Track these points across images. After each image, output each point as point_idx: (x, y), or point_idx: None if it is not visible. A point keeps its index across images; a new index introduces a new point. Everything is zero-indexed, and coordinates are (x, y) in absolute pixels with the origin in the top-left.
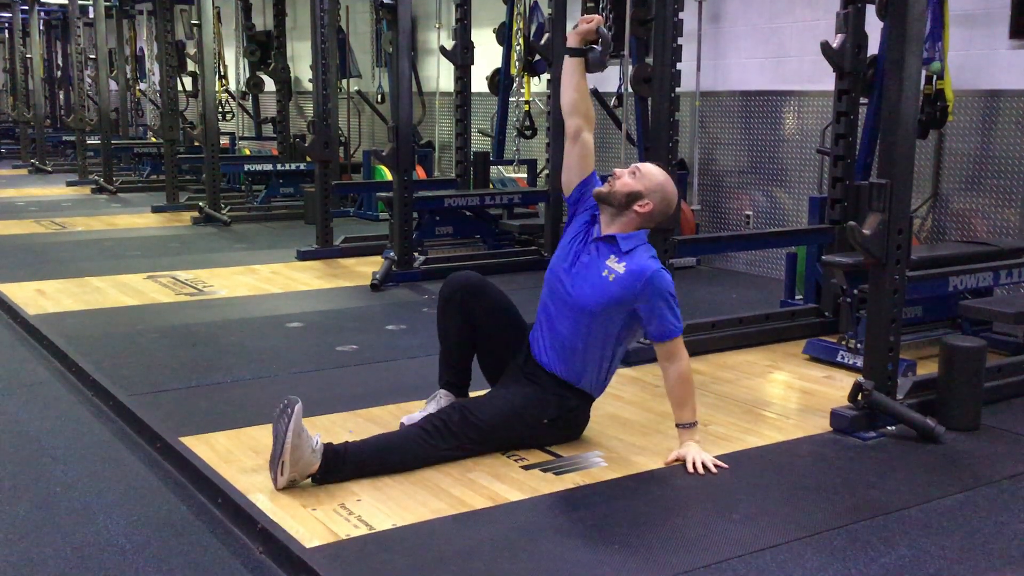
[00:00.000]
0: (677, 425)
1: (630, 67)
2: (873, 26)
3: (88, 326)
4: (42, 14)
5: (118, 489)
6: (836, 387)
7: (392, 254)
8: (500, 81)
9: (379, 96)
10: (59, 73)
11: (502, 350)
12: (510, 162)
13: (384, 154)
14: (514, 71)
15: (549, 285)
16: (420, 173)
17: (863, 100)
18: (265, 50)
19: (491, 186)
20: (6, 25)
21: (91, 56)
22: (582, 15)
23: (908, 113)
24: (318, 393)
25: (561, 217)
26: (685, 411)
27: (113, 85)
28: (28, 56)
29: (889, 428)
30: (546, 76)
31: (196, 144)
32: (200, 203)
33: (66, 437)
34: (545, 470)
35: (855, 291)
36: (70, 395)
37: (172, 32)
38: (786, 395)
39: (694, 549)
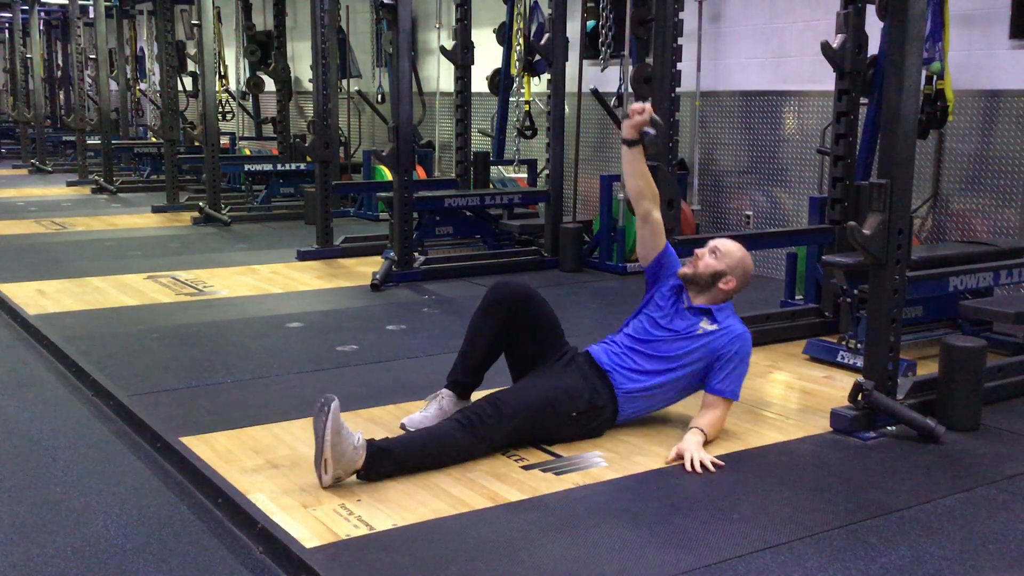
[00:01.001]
0: (689, 428)
1: (630, 67)
2: (873, 26)
3: (88, 326)
4: (42, 14)
5: (118, 489)
6: (836, 387)
7: (392, 254)
8: (500, 81)
9: (379, 96)
10: (59, 73)
11: (534, 359)
12: (510, 162)
13: (384, 154)
14: (514, 71)
15: (636, 333)
16: (420, 173)
17: (863, 100)
18: (265, 50)
19: (491, 186)
20: (6, 25)
21: (91, 56)
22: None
23: (908, 113)
24: (318, 393)
25: (561, 217)
26: (702, 422)
27: (113, 85)
28: (28, 56)
29: (889, 428)
30: (546, 76)
31: (196, 144)
32: (200, 203)
33: (66, 437)
34: (545, 470)
35: (855, 291)
36: (70, 395)
37: (172, 32)
38: (786, 395)
39: (694, 549)
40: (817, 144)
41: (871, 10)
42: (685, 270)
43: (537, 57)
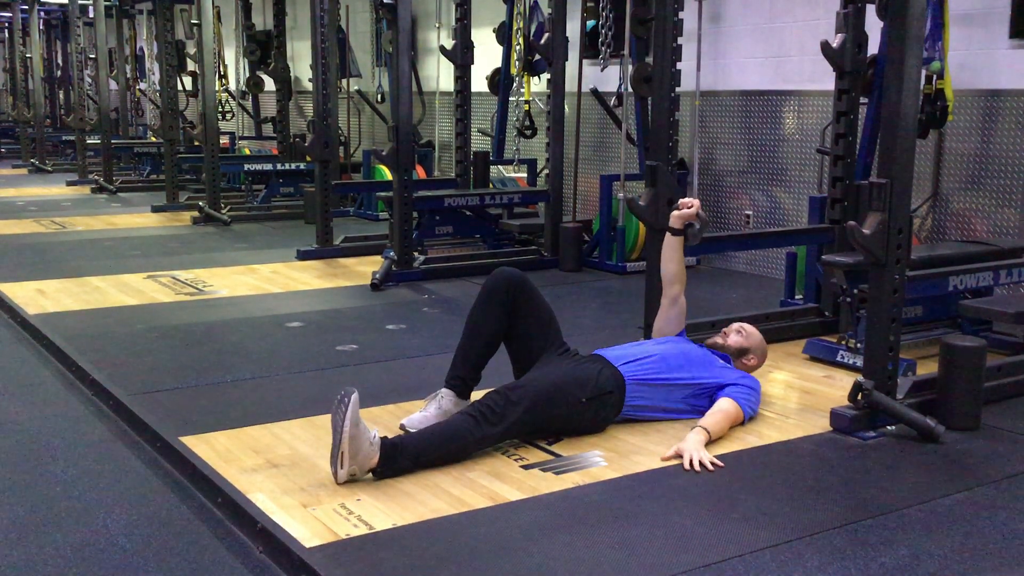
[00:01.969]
0: (693, 427)
1: (630, 67)
2: (873, 26)
3: (88, 326)
4: (42, 14)
5: (118, 488)
6: (836, 387)
7: (392, 254)
8: (500, 81)
9: (379, 96)
10: (59, 73)
11: (538, 347)
12: (510, 162)
13: (384, 154)
14: (514, 71)
15: (654, 353)
16: (420, 173)
17: (863, 100)
18: (265, 50)
19: (491, 186)
20: (6, 25)
21: (91, 56)
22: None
23: (908, 113)
24: (318, 393)
25: (561, 217)
26: (706, 420)
27: (113, 85)
28: (28, 56)
29: (889, 428)
30: (546, 76)
31: (196, 144)
32: (200, 203)
33: (66, 436)
34: (545, 469)
35: (855, 291)
36: (70, 394)
37: (172, 32)
38: (786, 395)
39: (694, 549)
40: (817, 144)
41: (871, 9)
42: (716, 340)
43: (537, 57)
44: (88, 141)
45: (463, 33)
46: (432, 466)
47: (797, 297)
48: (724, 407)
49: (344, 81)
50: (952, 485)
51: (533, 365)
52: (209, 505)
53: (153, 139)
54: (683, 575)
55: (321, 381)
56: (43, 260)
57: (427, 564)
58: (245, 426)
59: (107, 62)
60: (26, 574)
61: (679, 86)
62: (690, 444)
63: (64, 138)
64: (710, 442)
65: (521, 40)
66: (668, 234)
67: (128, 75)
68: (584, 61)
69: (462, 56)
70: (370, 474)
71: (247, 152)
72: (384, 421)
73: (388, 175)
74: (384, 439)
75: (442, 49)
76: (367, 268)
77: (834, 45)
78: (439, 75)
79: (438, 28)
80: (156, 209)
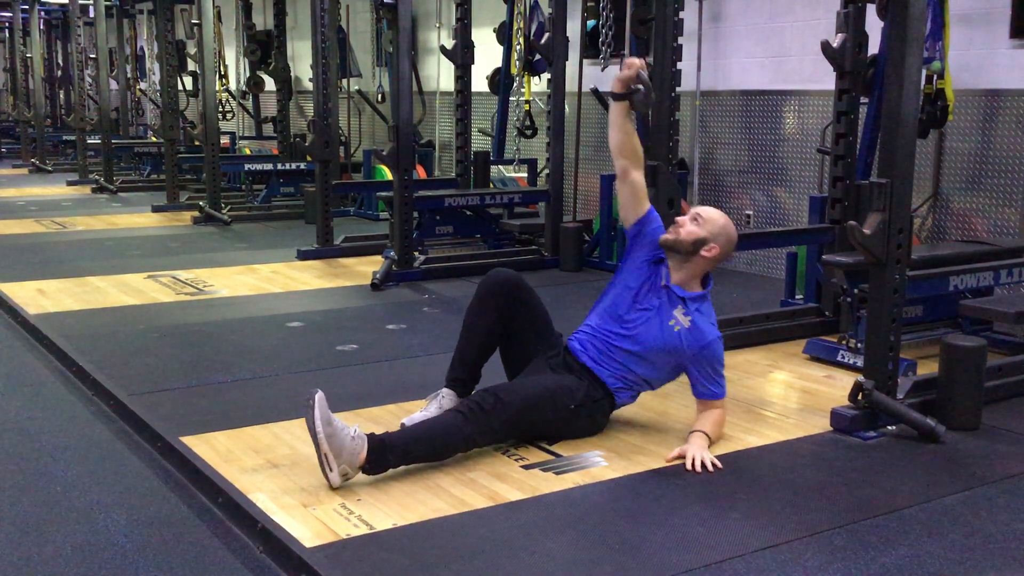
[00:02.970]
0: (692, 431)
1: None
2: (873, 25)
3: (88, 326)
4: (42, 13)
5: (118, 488)
6: (836, 387)
7: (392, 253)
8: (500, 80)
9: (379, 95)
10: (59, 72)
11: (532, 349)
12: (510, 161)
13: (384, 153)
14: (514, 70)
15: (611, 310)
16: (420, 172)
17: (863, 99)
18: (265, 49)
19: (491, 186)
20: (6, 24)
21: (91, 55)
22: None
23: (908, 112)
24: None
25: (561, 217)
26: (704, 425)
27: (113, 84)
28: (28, 55)
29: (889, 428)
30: (546, 75)
31: (196, 143)
32: (200, 203)
33: (66, 436)
34: (545, 469)
35: (855, 290)
36: (70, 394)
37: (172, 31)
38: (786, 395)
39: (694, 548)
40: (817, 143)
41: (871, 9)
42: (667, 236)
43: (537, 56)
44: (88, 141)
45: (463, 33)
46: (420, 461)
47: (797, 297)
48: (715, 412)
49: (344, 81)
50: (952, 485)
51: (525, 366)
52: (209, 505)
53: (153, 139)
54: (684, 575)
55: (321, 381)
56: (43, 260)
57: (427, 564)
58: (245, 426)
59: (107, 62)
60: (26, 574)
61: (679, 86)
62: (693, 445)
63: (65, 138)
64: (711, 444)
65: (521, 40)
66: (612, 102)
67: (129, 75)
68: (584, 61)
69: (462, 56)
70: (361, 473)
71: (247, 152)
72: (385, 421)
73: (388, 175)
74: (371, 435)
75: (442, 49)
76: (367, 268)
77: (834, 45)
78: (439, 75)
79: (438, 28)
80: (156, 209)
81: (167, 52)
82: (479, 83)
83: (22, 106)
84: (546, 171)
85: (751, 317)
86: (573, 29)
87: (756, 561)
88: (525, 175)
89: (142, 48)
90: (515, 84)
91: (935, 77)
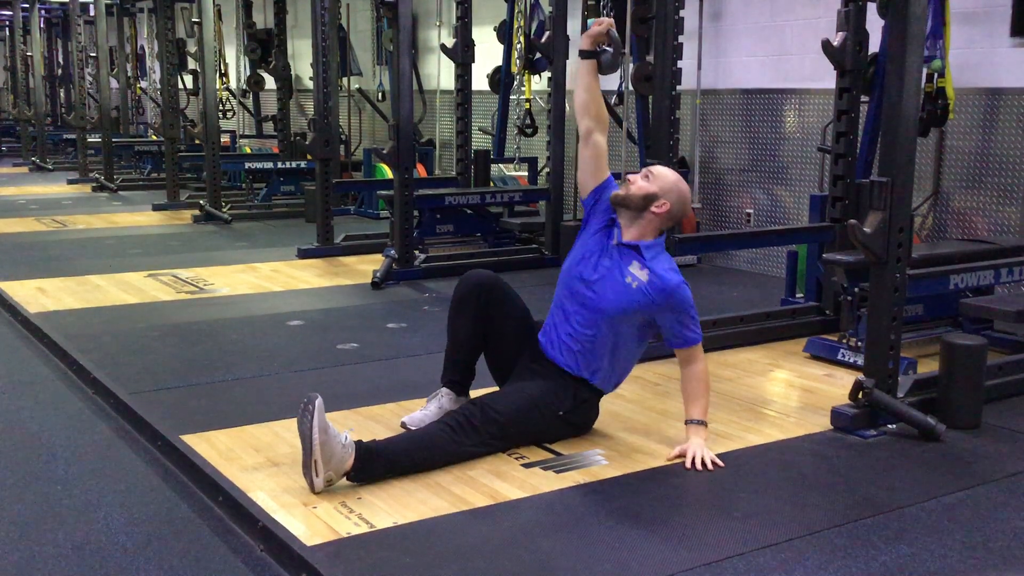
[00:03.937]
0: (686, 422)
1: (631, 65)
2: (874, 24)
3: (89, 324)
4: (43, 12)
5: (119, 487)
6: (837, 385)
7: (393, 252)
8: (501, 79)
9: (380, 94)
10: (60, 71)
11: (513, 350)
12: (511, 160)
13: (385, 152)
14: (515, 69)
15: (567, 286)
16: (421, 171)
17: (864, 98)
18: (266, 48)
19: (492, 184)
20: (7, 23)
21: (92, 54)
22: (583, 13)
23: (909, 111)
24: (319, 391)
25: (562, 215)
26: (696, 407)
27: (114, 83)
28: (29, 54)
29: (890, 426)
30: (547, 74)
31: (197, 142)
32: (201, 201)
33: (67, 435)
34: (546, 468)
35: (856, 289)
36: (71, 393)
37: (173, 30)
38: (787, 393)
39: (695, 547)
40: (818, 142)
41: (872, 8)
42: (618, 192)
43: (538, 55)
44: (89, 139)
45: (464, 31)
46: (406, 473)
47: (798, 296)
48: (696, 364)
49: (345, 79)
50: (953, 484)
51: (510, 368)
52: (210, 504)
53: (154, 137)
54: (684, 573)
55: (322, 380)
56: (44, 258)
57: (428, 562)
58: (246, 424)
59: (108, 60)
60: (27, 572)
61: (680, 84)
62: (693, 443)
63: (65, 136)
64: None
65: (522, 38)
66: (580, 60)
67: (129, 73)
68: None
69: (463, 54)
70: (345, 478)
71: (248, 150)
72: (385, 420)
73: (389, 173)
74: (359, 442)
75: (443, 47)
76: (368, 267)
77: (835, 43)
78: (440, 73)
79: (439, 26)
80: (157, 207)
81: (167, 50)
82: (479, 82)
83: (22, 105)
84: (546, 170)
85: (752, 316)
86: (574, 28)
87: (756, 560)
88: (525, 174)
89: (142, 47)
90: (515, 83)
91: (936, 75)
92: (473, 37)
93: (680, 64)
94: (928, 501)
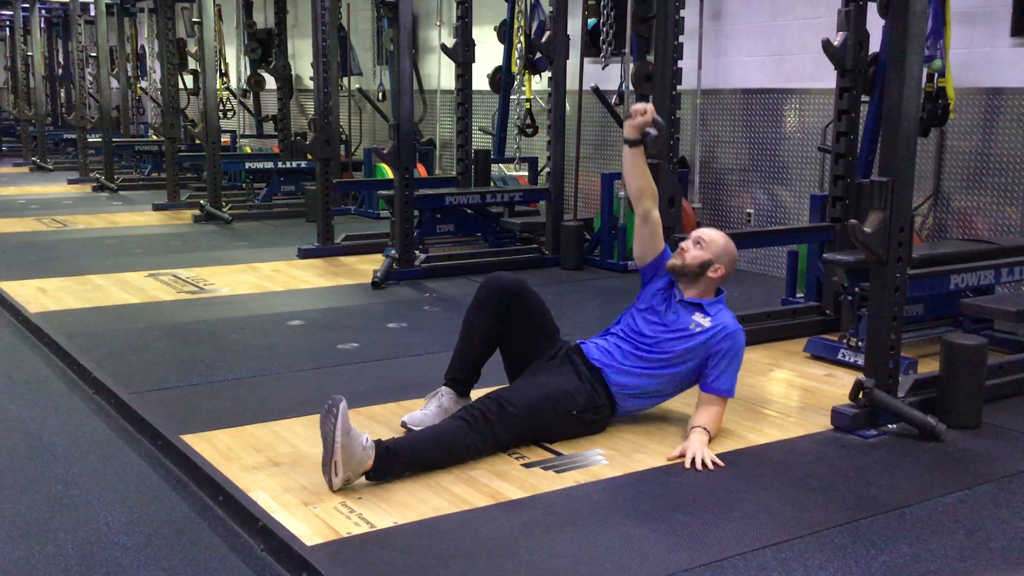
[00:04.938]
0: (692, 427)
1: (631, 65)
2: (874, 24)
3: (89, 324)
4: (43, 12)
5: (119, 487)
6: (837, 385)
7: (393, 252)
8: (501, 79)
9: (380, 94)
10: (60, 71)
11: (530, 352)
12: (511, 160)
13: (385, 152)
14: (515, 69)
15: (628, 331)
16: (421, 171)
17: (864, 98)
18: (266, 48)
19: (492, 184)
20: (7, 23)
21: (92, 54)
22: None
23: (909, 111)
24: (319, 391)
25: (562, 215)
26: (703, 420)
27: (114, 83)
28: (29, 54)
29: (890, 426)
30: (547, 74)
31: (197, 142)
32: (201, 201)
33: (67, 435)
34: (546, 468)
35: (856, 289)
36: (71, 393)
37: (173, 30)
38: (787, 393)
39: (695, 547)
40: (818, 142)
41: (873, 8)
42: (674, 262)
43: (538, 55)
44: (89, 139)
45: (464, 31)
46: (426, 470)
47: (798, 295)
48: (716, 407)
49: (345, 79)
50: (953, 483)
51: (525, 369)
52: (210, 503)
53: (154, 137)
54: (684, 573)
55: (322, 379)
56: (44, 258)
57: (428, 562)
58: (246, 424)
59: (108, 60)
60: (27, 572)
61: (680, 84)
62: (694, 443)
63: (65, 136)
64: (709, 440)
65: (522, 38)
66: (626, 147)
67: (129, 73)
68: (585, 59)
69: (463, 54)
70: (364, 477)
71: (248, 150)
72: (385, 419)
73: (389, 173)
74: (378, 442)
75: (443, 47)
76: (368, 266)
77: (835, 43)
78: (440, 73)
79: (439, 26)
80: (157, 207)
81: (168, 50)
82: (480, 81)
83: (23, 104)
84: (547, 169)
85: (752, 315)
86: (574, 27)
87: (757, 559)
88: (526, 173)
89: (143, 46)
90: (516, 82)
91: (936, 75)
92: (473, 37)
93: (680, 64)
94: (928, 501)
